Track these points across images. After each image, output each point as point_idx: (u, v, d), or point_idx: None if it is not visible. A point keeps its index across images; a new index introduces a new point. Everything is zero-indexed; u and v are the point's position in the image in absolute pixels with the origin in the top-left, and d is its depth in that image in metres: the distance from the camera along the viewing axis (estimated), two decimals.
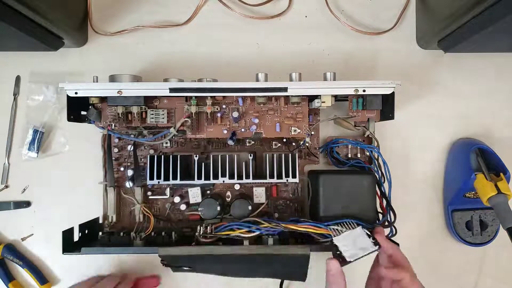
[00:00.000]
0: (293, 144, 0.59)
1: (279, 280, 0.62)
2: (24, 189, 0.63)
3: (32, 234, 0.63)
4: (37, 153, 0.62)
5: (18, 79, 0.64)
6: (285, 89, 0.52)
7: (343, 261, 0.47)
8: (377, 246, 0.49)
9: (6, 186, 0.63)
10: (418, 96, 0.66)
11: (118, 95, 0.52)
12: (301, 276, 0.54)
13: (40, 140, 0.62)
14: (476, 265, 0.66)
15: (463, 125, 0.66)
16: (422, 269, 0.65)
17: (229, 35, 0.65)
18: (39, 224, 0.63)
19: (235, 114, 0.54)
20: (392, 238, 0.56)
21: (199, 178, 0.56)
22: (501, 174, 0.59)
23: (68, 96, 0.53)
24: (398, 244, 0.53)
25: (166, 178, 0.55)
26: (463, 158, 0.62)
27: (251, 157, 0.57)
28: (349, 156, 0.62)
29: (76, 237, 0.54)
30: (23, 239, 0.63)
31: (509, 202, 0.56)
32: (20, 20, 0.50)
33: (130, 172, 0.58)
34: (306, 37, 0.65)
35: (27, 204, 0.63)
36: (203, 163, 0.56)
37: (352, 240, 0.49)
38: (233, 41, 0.65)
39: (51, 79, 0.63)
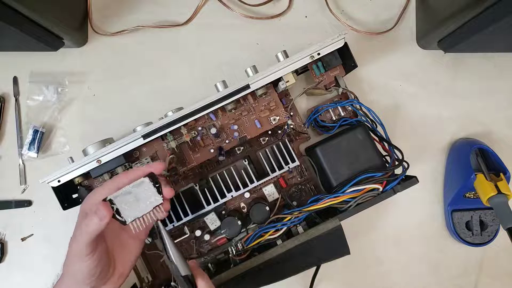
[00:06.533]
0: (279, 132, 0.59)
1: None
2: (24, 189, 0.63)
3: (32, 234, 0.63)
4: (37, 153, 0.62)
5: (15, 79, 0.64)
6: (247, 87, 0.52)
7: (121, 222, 0.42)
8: (161, 196, 0.43)
9: (25, 189, 0.63)
10: (418, 96, 0.66)
11: (98, 164, 0.51)
12: (344, 249, 0.53)
13: (40, 140, 0.62)
14: (476, 265, 0.66)
15: (463, 125, 0.66)
16: (422, 269, 0.66)
17: (229, 35, 0.65)
18: (39, 224, 0.63)
19: (213, 131, 0.53)
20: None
21: (208, 203, 0.56)
22: (501, 174, 0.59)
23: (53, 188, 0.52)
24: None
25: (179, 218, 0.55)
26: (463, 158, 0.62)
27: (246, 162, 0.57)
28: (334, 118, 0.62)
29: None
30: (23, 239, 0.63)
31: (509, 202, 0.57)
32: (20, 20, 0.50)
33: None
34: (306, 37, 0.65)
35: (28, 203, 0.63)
36: (205, 189, 0.56)
37: (134, 196, 0.42)
38: (233, 41, 0.65)
39: (51, 79, 0.63)
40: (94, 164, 0.51)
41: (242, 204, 0.59)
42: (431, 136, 0.66)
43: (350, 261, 0.59)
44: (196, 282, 0.43)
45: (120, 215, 0.42)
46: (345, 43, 0.54)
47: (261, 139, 0.59)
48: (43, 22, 0.53)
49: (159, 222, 0.45)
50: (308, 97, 0.64)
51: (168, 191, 0.44)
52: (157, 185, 0.43)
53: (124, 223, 0.42)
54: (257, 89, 0.53)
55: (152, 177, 0.43)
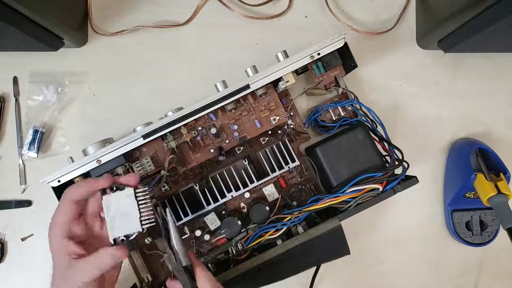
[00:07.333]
0: (279, 132, 0.59)
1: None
2: (24, 189, 0.63)
3: (32, 234, 0.63)
4: (37, 153, 0.62)
5: (15, 79, 0.64)
6: (247, 87, 0.52)
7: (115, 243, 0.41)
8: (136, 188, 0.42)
9: (25, 189, 0.63)
10: (418, 96, 0.66)
11: (98, 164, 0.51)
12: (344, 249, 0.53)
13: (40, 140, 0.62)
14: (476, 265, 0.66)
15: (463, 125, 0.66)
16: (422, 269, 0.66)
17: (229, 35, 0.65)
18: (39, 224, 0.63)
19: (213, 131, 0.54)
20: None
21: (208, 203, 0.56)
22: (501, 174, 0.59)
23: (53, 188, 0.52)
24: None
25: (179, 218, 0.55)
26: (463, 158, 0.62)
27: (246, 162, 0.57)
28: (334, 118, 0.62)
29: None
30: (23, 239, 0.63)
31: (509, 202, 0.57)
32: (20, 20, 0.50)
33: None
34: (306, 37, 0.65)
35: (28, 203, 0.63)
36: (205, 189, 0.56)
37: (121, 213, 0.41)
38: (233, 41, 0.65)
39: (51, 79, 0.63)
40: (94, 164, 0.51)
41: (242, 204, 0.59)
42: (431, 136, 0.66)
43: (350, 261, 0.59)
44: (194, 272, 0.43)
45: (128, 237, 0.42)
46: (345, 43, 0.54)
47: (261, 139, 0.59)
48: (43, 22, 0.53)
49: (168, 209, 0.44)
50: (308, 97, 0.64)
51: (128, 177, 0.42)
52: (120, 187, 0.42)
53: (140, 233, 0.42)
54: (257, 89, 0.53)
55: (115, 187, 0.43)
